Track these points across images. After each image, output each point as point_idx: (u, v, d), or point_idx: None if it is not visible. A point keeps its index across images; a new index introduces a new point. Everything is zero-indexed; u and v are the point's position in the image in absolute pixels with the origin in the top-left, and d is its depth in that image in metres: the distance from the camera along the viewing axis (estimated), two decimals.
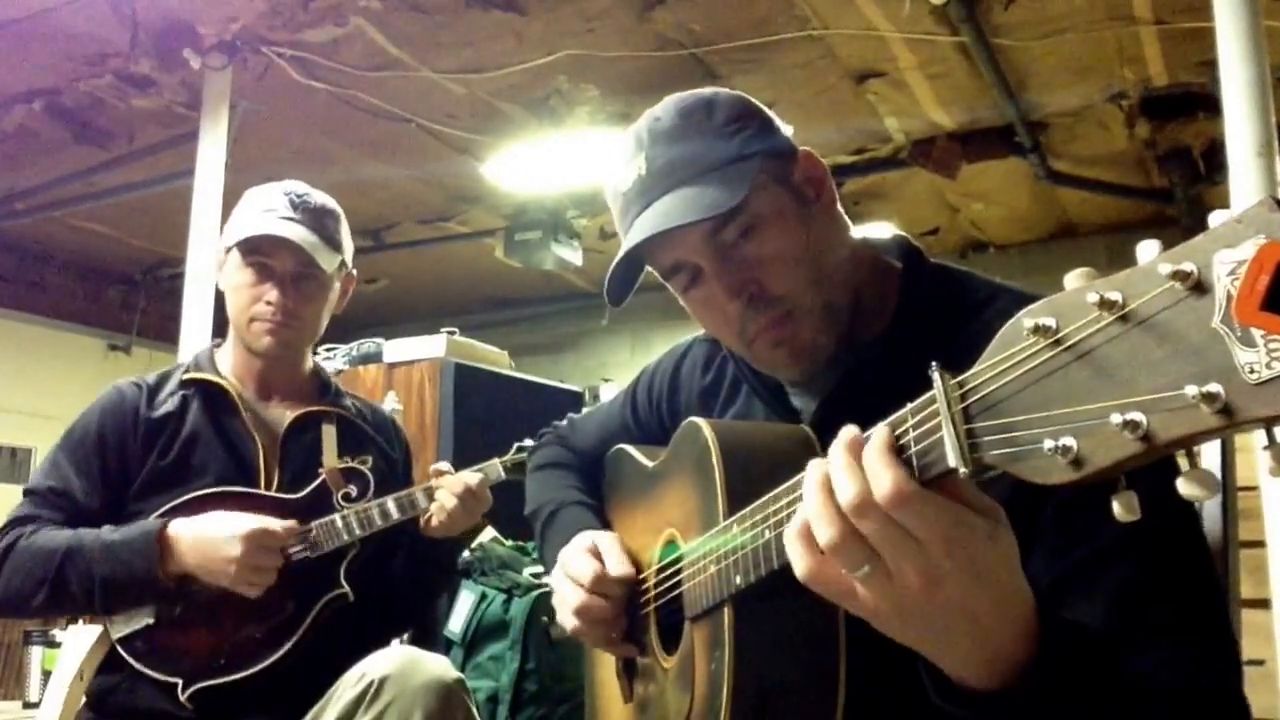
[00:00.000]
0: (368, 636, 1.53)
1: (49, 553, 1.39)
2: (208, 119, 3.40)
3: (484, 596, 2.71)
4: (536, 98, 3.81)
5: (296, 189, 1.55)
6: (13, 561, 1.41)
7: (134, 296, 6.05)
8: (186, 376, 1.55)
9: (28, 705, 3.29)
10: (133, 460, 1.48)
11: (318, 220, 1.54)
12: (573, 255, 4.77)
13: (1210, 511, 0.98)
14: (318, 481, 1.52)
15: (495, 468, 1.57)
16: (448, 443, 3.10)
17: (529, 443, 1.59)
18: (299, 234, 1.50)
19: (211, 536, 1.38)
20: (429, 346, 3.15)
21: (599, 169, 1.03)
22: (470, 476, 1.52)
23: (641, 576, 1.04)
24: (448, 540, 1.54)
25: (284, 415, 1.56)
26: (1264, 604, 1.94)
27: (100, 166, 4.26)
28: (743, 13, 3.24)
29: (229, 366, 1.59)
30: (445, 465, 1.54)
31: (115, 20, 3.25)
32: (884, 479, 0.57)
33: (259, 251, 1.51)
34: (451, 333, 3.22)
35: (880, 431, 0.60)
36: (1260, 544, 1.98)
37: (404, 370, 3.17)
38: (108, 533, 1.41)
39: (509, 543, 2.89)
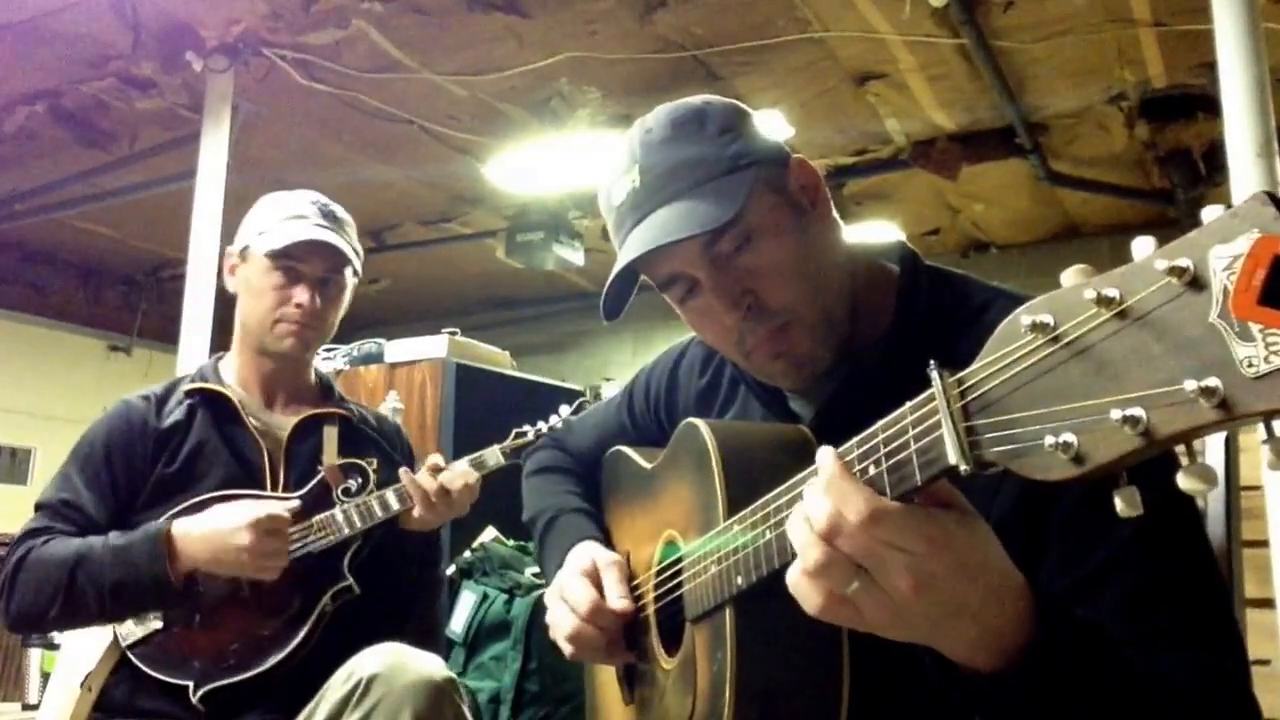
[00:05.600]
0: (373, 633, 1.53)
1: (60, 561, 1.40)
2: (209, 121, 3.40)
3: (486, 596, 2.72)
4: (538, 99, 3.81)
5: (319, 198, 1.59)
6: (26, 574, 1.41)
7: (135, 298, 6.05)
8: (191, 386, 1.57)
9: (27, 707, 3.30)
10: (140, 472, 1.50)
11: (344, 230, 1.58)
12: (574, 256, 4.77)
13: (1214, 511, 0.98)
14: (317, 479, 1.53)
15: (495, 454, 1.57)
16: (449, 443, 3.10)
17: (528, 429, 1.58)
18: (335, 240, 1.54)
19: (218, 529, 1.39)
20: (430, 347, 3.16)
21: (600, 170, 1.01)
22: (468, 474, 1.53)
23: (641, 579, 1.04)
24: (423, 532, 1.54)
25: (288, 421, 1.58)
26: (1268, 603, 1.94)
27: (102, 168, 4.27)
28: (744, 15, 3.24)
29: (234, 376, 1.60)
30: (438, 459, 1.54)
31: (117, 22, 3.26)
32: (855, 500, 0.59)
33: (291, 256, 1.53)
34: (453, 333, 3.22)
35: (828, 457, 0.62)
36: (1264, 544, 1.98)
37: (405, 370, 3.17)
38: (114, 538, 1.41)
39: (510, 543, 2.89)
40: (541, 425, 1.60)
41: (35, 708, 2.93)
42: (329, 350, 3.33)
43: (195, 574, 1.42)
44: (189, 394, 1.56)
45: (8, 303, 5.65)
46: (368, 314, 6.47)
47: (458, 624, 2.73)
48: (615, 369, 5.96)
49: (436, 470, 1.51)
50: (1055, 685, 0.64)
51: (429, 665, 1.31)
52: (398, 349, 3.22)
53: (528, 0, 3.18)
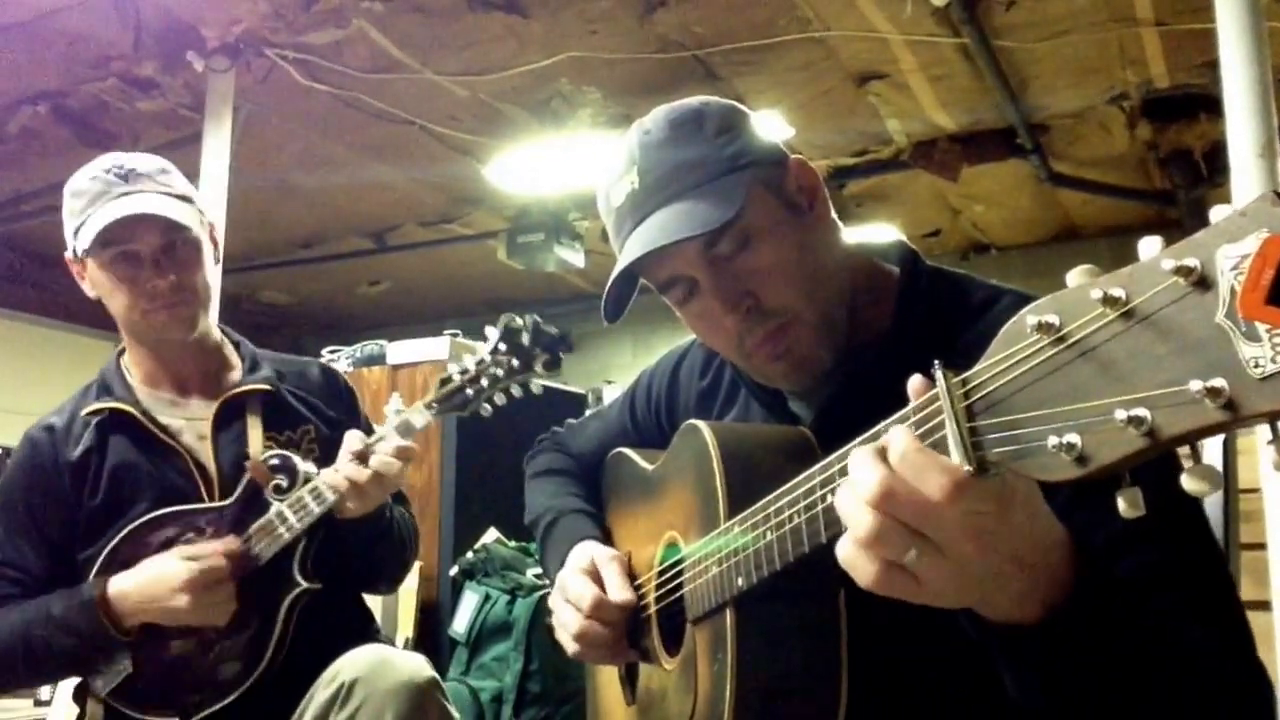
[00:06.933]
0: (348, 617, 1.50)
1: (9, 638, 1.36)
2: (211, 121, 3.40)
3: (488, 597, 2.72)
4: (538, 100, 3.81)
5: (114, 161, 1.44)
6: None
7: None
8: (92, 408, 1.46)
9: (39, 703, 3.30)
10: (67, 511, 1.43)
11: (155, 181, 1.43)
12: (575, 257, 4.77)
13: (1211, 514, 0.98)
14: (245, 481, 1.43)
15: (421, 413, 1.43)
16: (450, 443, 3.10)
17: (452, 372, 1.45)
18: (150, 203, 1.38)
19: (155, 593, 1.34)
20: (432, 348, 3.17)
21: (600, 171, 1.01)
22: (402, 450, 1.37)
23: (643, 579, 1.04)
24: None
25: (208, 408, 1.47)
26: (1265, 606, 1.93)
27: None
28: (745, 15, 3.24)
29: (139, 373, 1.51)
30: (361, 439, 1.39)
31: (119, 23, 3.26)
32: (938, 476, 0.56)
33: (117, 241, 1.38)
34: (454, 334, 3.23)
35: (904, 432, 0.58)
36: (1261, 546, 1.98)
37: (408, 372, 3.18)
38: (55, 604, 1.36)
39: (512, 544, 2.89)
40: (468, 364, 1.45)
41: (47, 704, 2.93)
42: (333, 352, 3.33)
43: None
44: (94, 414, 1.45)
45: (13, 303, 5.65)
46: (369, 316, 6.47)
47: (460, 624, 2.74)
48: (615, 371, 5.96)
49: (362, 456, 1.36)
50: (1100, 627, 0.63)
51: (411, 667, 1.30)
52: (400, 350, 3.23)
53: (528, 0, 3.18)
